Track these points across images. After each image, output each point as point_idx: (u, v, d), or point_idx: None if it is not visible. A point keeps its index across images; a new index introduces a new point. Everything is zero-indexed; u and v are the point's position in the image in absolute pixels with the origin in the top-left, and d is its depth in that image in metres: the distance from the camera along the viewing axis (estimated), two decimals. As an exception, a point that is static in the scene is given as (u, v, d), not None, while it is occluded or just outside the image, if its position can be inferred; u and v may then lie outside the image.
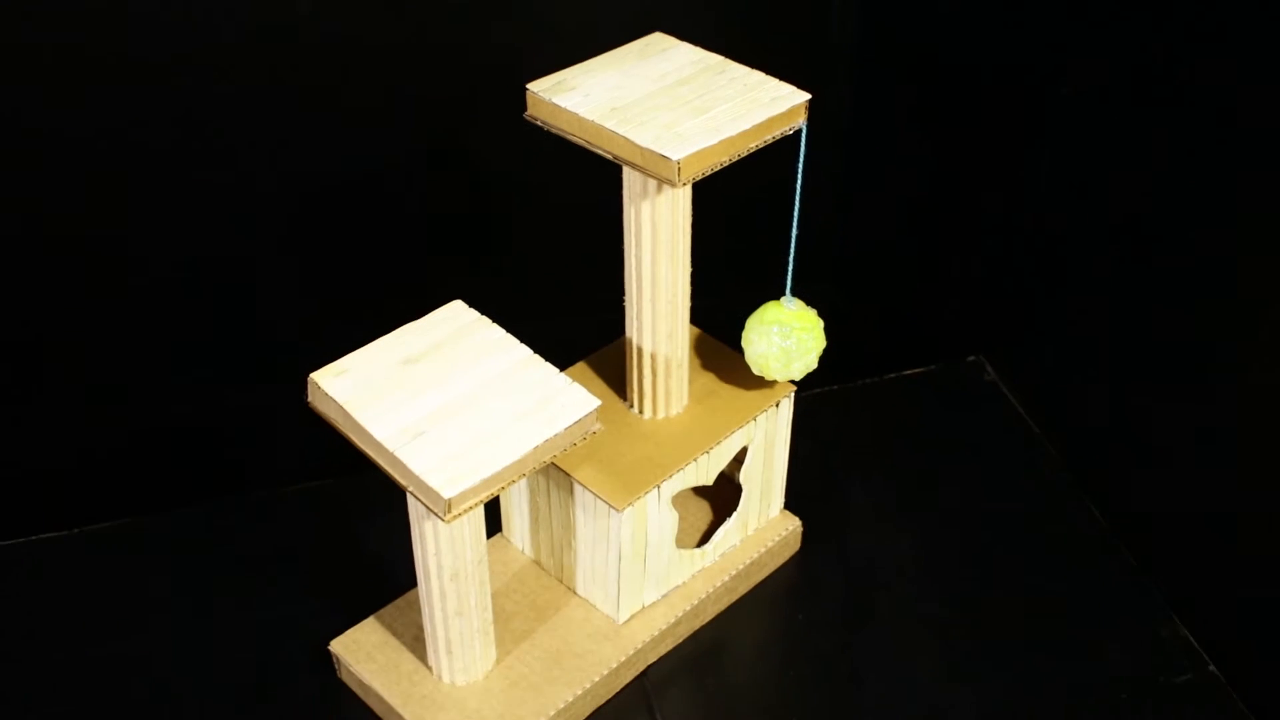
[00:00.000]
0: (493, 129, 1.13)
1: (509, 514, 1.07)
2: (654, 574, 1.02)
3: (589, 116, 0.89)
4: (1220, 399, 1.01)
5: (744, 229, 1.21)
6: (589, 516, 0.98)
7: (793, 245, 0.98)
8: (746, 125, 0.88)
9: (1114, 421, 1.15)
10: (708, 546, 1.06)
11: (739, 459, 1.05)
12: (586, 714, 0.99)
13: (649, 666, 1.03)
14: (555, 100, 0.90)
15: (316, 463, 1.17)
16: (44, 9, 1.01)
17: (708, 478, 1.01)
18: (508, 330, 0.91)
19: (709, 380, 1.05)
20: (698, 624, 1.06)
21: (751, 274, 1.06)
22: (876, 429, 1.26)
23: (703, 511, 1.12)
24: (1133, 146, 1.07)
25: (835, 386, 1.29)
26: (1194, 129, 0.99)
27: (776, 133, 0.91)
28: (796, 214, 0.96)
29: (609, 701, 1.00)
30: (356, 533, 1.13)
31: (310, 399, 0.88)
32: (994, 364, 1.34)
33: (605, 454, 0.98)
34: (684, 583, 1.05)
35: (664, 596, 1.04)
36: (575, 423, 0.85)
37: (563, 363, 0.96)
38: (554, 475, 0.98)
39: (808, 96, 0.91)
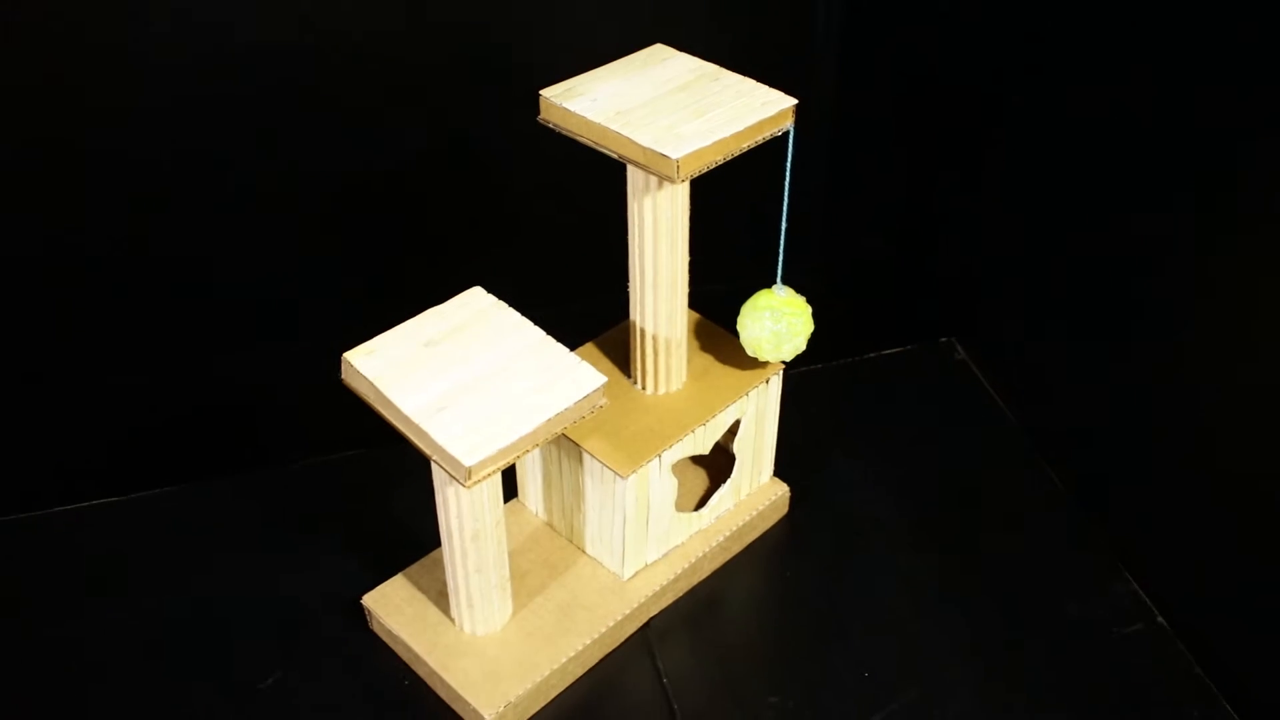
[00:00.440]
0: (509, 132, 1.13)
1: (524, 480, 1.07)
2: (655, 535, 1.02)
3: (596, 119, 0.89)
4: (1164, 375, 1.01)
5: (738, 222, 1.21)
6: (596, 483, 0.98)
7: (782, 237, 0.98)
8: (739, 127, 0.88)
9: (1070, 395, 1.16)
10: (704, 510, 1.07)
11: (732, 430, 1.05)
12: (594, 661, 1.00)
13: (651, 619, 1.03)
14: (566, 105, 0.90)
15: (349, 435, 1.17)
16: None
17: (704, 447, 1.02)
18: (522, 314, 0.91)
19: (706, 359, 1.05)
20: (695, 580, 1.07)
21: (745, 263, 1.06)
22: (857, 404, 1.26)
23: (699, 478, 1.12)
24: (1078, 149, 1.07)
25: (820, 366, 1.29)
26: (1130, 132, 1.00)
27: (767, 134, 0.91)
28: (785, 208, 0.96)
29: (615, 650, 1.01)
30: (386, 498, 1.13)
31: (344, 376, 0.89)
32: (964, 345, 1.34)
33: (611, 426, 0.98)
34: (682, 543, 1.06)
35: (664, 555, 1.05)
36: (584, 398, 0.85)
37: (572, 343, 0.96)
38: (565, 445, 0.99)
39: (795, 101, 0.91)
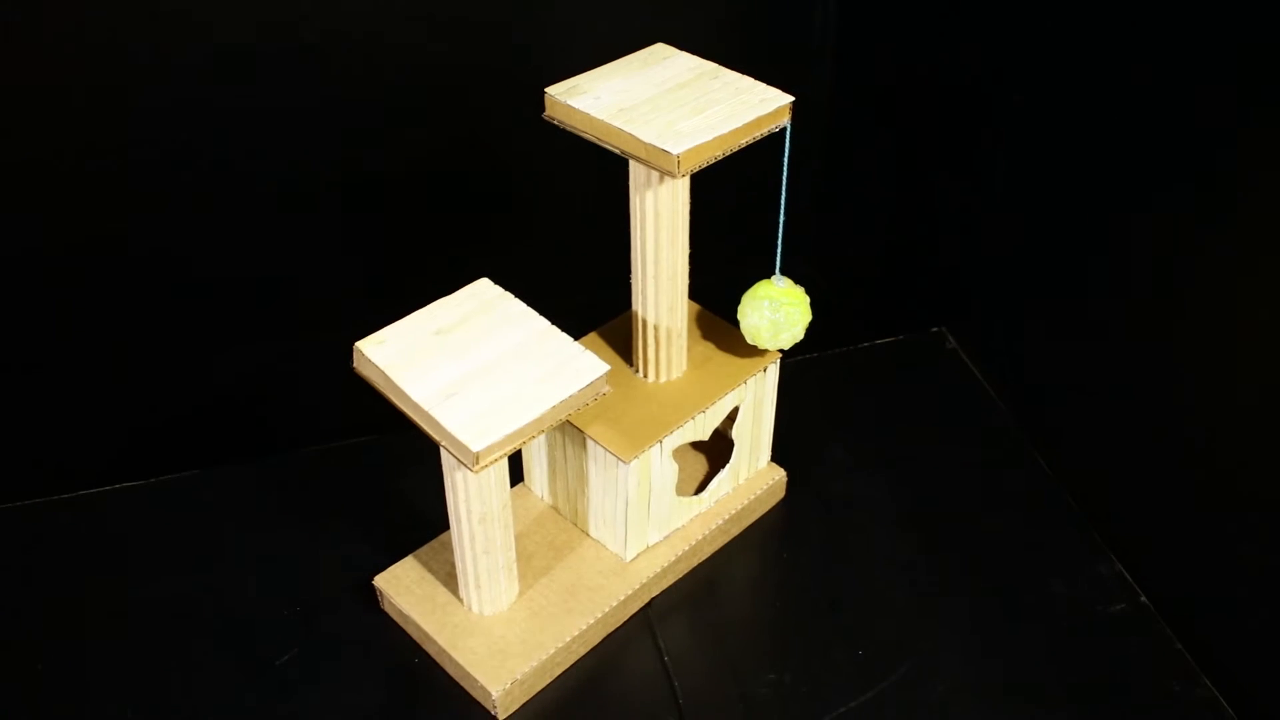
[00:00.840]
0: (516, 128, 1.13)
1: (530, 465, 1.07)
2: (657, 518, 1.02)
3: (599, 116, 0.88)
4: (1145, 365, 1.01)
5: (737, 215, 1.21)
6: (600, 467, 0.98)
7: (780, 230, 0.97)
8: (738, 124, 0.88)
9: (1057, 384, 1.15)
10: (703, 494, 1.06)
11: (731, 417, 1.05)
12: (597, 640, 0.99)
13: (652, 599, 1.03)
14: (570, 102, 0.90)
15: (361, 421, 1.17)
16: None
17: (704, 433, 1.01)
18: (528, 304, 0.91)
19: (705, 348, 1.05)
20: (695, 562, 1.06)
21: (744, 255, 1.06)
22: (852, 391, 1.26)
23: (699, 463, 1.12)
24: (1072, 148, 1.06)
25: (816, 354, 1.29)
26: (1121, 127, 0.99)
27: (764, 131, 0.90)
28: (783, 202, 0.96)
29: (617, 629, 1.01)
30: (397, 483, 1.13)
31: (355, 365, 0.88)
32: (954, 334, 1.33)
33: (614, 413, 0.98)
34: (683, 525, 1.06)
35: (665, 537, 1.04)
36: (587, 385, 0.85)
37: (577, 333, 0.96)
38: (569, 431, 0.98)
39: (791, 99, 0.91)
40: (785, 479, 1.12)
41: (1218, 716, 0.94)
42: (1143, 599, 1.03)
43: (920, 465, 1.16)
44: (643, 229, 0.94)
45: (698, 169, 0.87)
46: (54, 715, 0.93)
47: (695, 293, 1.03)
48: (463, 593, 0.97)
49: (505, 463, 0.87)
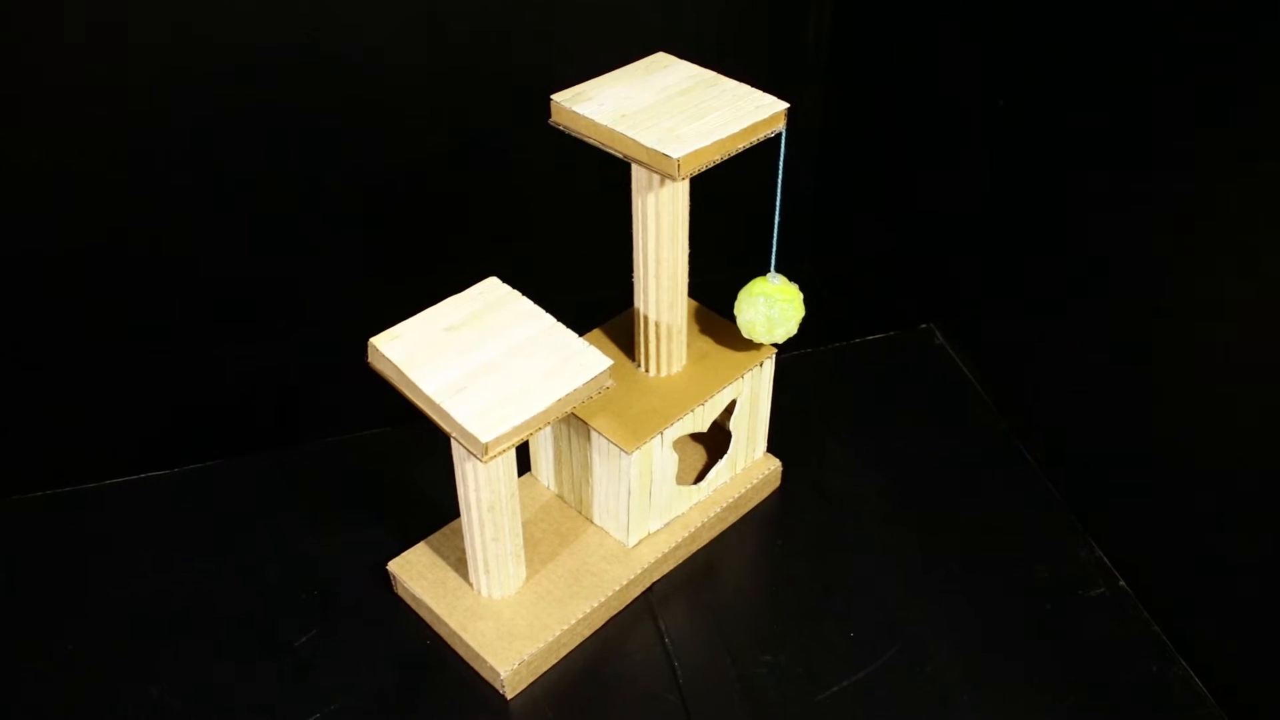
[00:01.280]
0: (522, 133, 1.13)
1: (536, 456, 1.07)
2: (658, 506, 1.02)
3: (603, 122, 0.88)
4: (1125, 357, 1.01)
5: (734, 216, 1.21)
6: (604, 458, 0.98)
7: (775, 230, 0.97)
8: (735, 129, 0.88)
9: (1041, 379, 1.15)
10: (702, 483, 1.06)
11: (729, 410, 1.05)
12: (601, 623, 0.99)
13: (654, 583, 1.03)
14: (575, 108, 0.90)
15: (375, 414, 1.17)
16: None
17: (703, 425, 1.01)
18: (535, 302, 0.91)
19: (704, 344, 1.05)
20: (694, 548, 1.06)
21: (741, 254, 1.06)
22: (845, 385, 1.26)
23: (698, 454, 1.12)
24: (1054, 150, 1.06)
25: (810, 350, 1.29)
26: (1101, 135, 0.99)
27: (761, 136, 0.90)
28: (778, 204, 0.96)
29: (620, 613, 1.01)
30: (409, 472, 1.13)
31: (370, 359, 0.88)
32: (942, 331, 1.33)
33: (617, 406, 0.98)
34: (683, 513, 1.06)
35: (666, 525, 1.04)
36: (592, 379, 0.85)
37: (581, 329, 0.96)
38: (574, 423, 0.98)
39: (786, 106, 0.91)
40: (781, 469, 1.12)
41: (1193, 694, 0.94)
42: (1121, 583, 1.03)
43: (909, 455, 1.16)
44: (644, 230, 0.94)
45: (697, 172, 0.87)
46: (82, 694, 0.94)
47: (694, 290, 1.03)
48: (472, 577, 0.97)
49: (513, 453, 0.87)
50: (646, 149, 0.86)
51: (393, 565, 1.01)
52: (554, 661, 0.96)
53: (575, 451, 1.01)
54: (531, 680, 0.95)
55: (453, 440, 0.85)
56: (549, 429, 1.02)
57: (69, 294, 1.11)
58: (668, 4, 1.19)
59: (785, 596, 1.03)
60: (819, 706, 0.93)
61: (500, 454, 0.82)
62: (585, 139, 0.91)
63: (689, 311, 1.06)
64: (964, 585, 1.03)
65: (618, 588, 0.99)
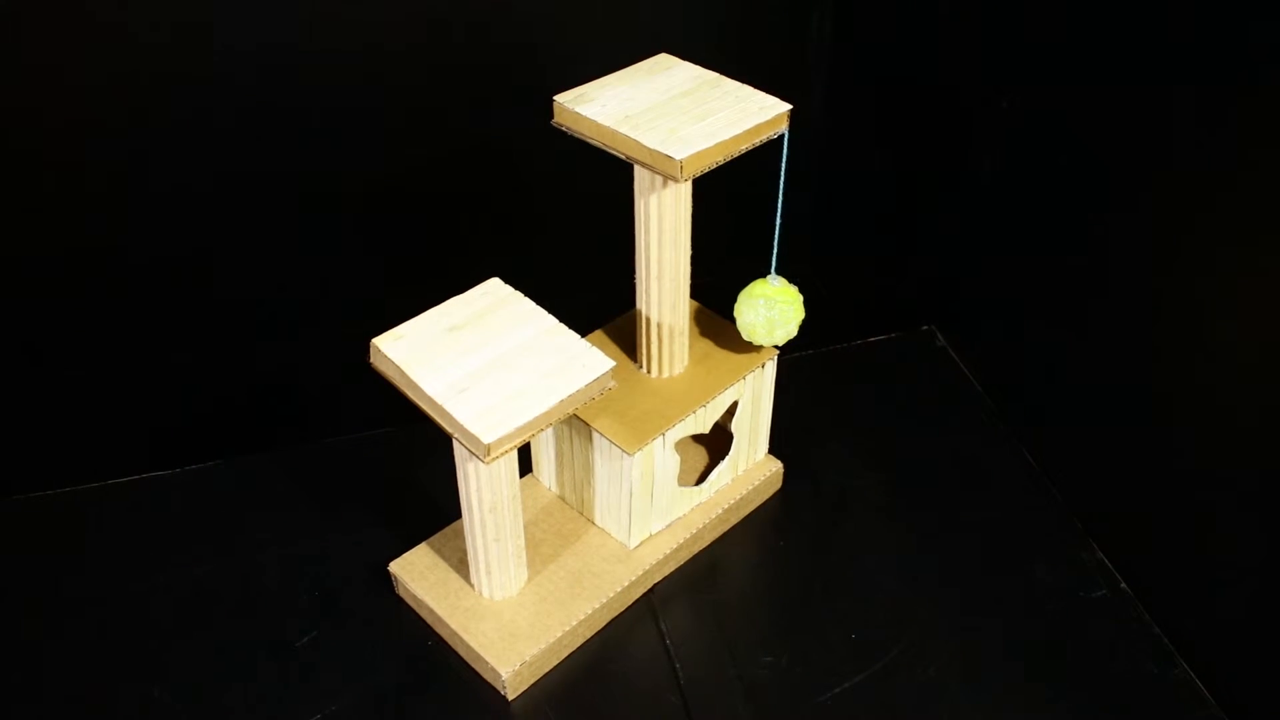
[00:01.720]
0: (526, 135, 1.13)
1: (538, 457, 1.07)
2: (659, 507, 1.02)
3: (606, 123, 0.88)
4: (1125, 359, 1.00)
5: (736, 218, 1.21)
6: (605, 459, 0.98)
7: (776, 231, 0.97)
8: (738, 130, 0.87)
9: (1041, 380, 1.15)
10: (704, 484, 1.06)
11: (730, 411, 1.05)
12: (603, 624, 0.99)
13: (655, 585, 1.03)
14: (578, 109, 0.90)
15: (377, 415, 1.17)
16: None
17: (704, 427, 1.01)
18: (537, 303, 0.90)
19: (706, 345, 1.05)
20: (696, 549, 1.06)
21: (742, 256, 1.06)
22: (846, 387, 1.26)
23: (700, 455, 1.12)
24: (1056, 152, 1.06)
25: (811, 351, 1.29)
26: (1102, 136, 0.99)
27: (763, 137, 0.90)
28: (780, 206, 0.95)
29: (622, 614, 1.00)
30: (411, 473, 1.13)
31: (372, 360, 0.88)
32: (943, 332, 1.33)
33: (619, 407, 0.98)
34: (684, 515, 1.05)
35: (667, 526, 1.04)
36: (593, 380, 0.85)
37: (583, 330, 0.95)
38: (576, 424, 0.98)
39: (789, 107, 0.90)
40: (782, 470, 1.12)
41: (1193, 695, 0.94)
42: (1122, 585, 1.03)
43: (910, 457, 1.16)
44: (646, 231, 0.93)
45: (700, 174, 0.87)
46: (84, 692, 0.93)
47: (696, 292, 1.03)
48: (474, 578, 0.97)
49: (515, 454, 0.86)
50: (649, 150, 0.86)
51: (394, 566, 1.00)
52: (555, 662, 0.96)
53: (577, 453, 1.01)
54: (533, 681, 0.95)
55: (454, 441, 0.84)
56: (551, 430, 1.02)
57: (69, 294, 1.11)
58: (671, 5, 1.18)
59: (786, 597, 1.02)
60: (820, 707, 0.93)
61: (502, 455, 0.82)
62: (588, 140, 0.90)
63: (691, 313, 1.05)
64: (965, 585, 1.03)
65: (619, 589, 0.99)
